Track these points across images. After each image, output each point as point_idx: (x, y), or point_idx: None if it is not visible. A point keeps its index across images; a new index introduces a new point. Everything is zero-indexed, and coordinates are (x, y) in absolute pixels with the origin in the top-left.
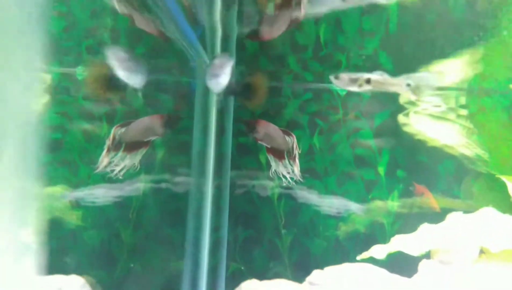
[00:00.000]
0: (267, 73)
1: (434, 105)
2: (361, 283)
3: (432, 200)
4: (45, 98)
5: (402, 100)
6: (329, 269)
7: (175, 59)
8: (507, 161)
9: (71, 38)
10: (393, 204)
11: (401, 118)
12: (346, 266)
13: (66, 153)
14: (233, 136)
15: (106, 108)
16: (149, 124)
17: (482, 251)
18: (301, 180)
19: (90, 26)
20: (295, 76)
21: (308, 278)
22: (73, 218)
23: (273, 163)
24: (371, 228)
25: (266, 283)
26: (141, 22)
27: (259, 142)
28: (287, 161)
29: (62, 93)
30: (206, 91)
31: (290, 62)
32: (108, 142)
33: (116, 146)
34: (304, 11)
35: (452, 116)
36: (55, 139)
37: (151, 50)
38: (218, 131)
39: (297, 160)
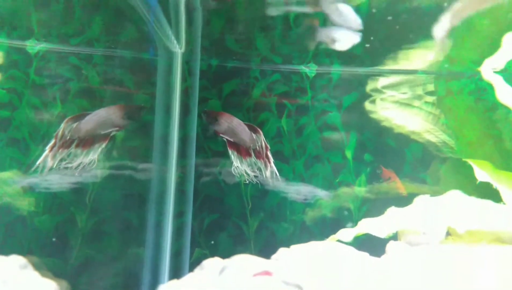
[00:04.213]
0: (234, 53)
1: (400, 92)
2: (328, 259)
3: (399, 184)
4: None
5: (368, 87)
6: (295, 247)
7: (134, 33)
8: (473, 144)
9: (20, 9)
10: (360, 189)
11: (367, 105)
12: (313, 244)
13: (15, 133)
14: (198, 117)
15: (60, 84)
16: (107, 116)
17: (448, 233)
18: (275, 179)
19: None
20: (263, 58)
21: (274, 256)
22: (24, 204)
23: (235, 160)
24: (338, 213)
25: (229, 259)
26: None
27: (221, 135)
28: (252, 159)
29: (10, 68)
30: (169, 66)
31: (258, 43)
32: (54, 140)
33: (66, 142)
34: None
35: (418, 103)
36: (3, 117)
37: (109, 23)
38: (182, 112)
39: (269, 158)
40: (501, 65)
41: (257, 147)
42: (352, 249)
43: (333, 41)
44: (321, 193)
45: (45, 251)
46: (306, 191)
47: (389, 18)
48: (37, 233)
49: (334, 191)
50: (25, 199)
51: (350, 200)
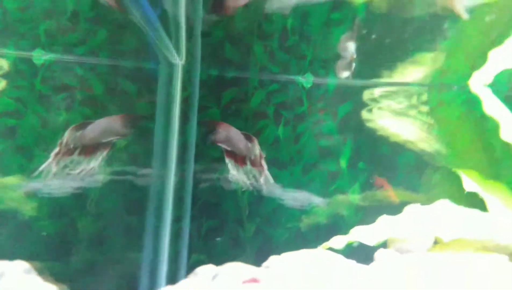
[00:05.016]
0: (233, 63)
1: (397, 102)
2: (317, 267)
3: (391, 193)
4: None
5: (365, 96)
6: (286, 255)
7: (136, 44)
8: (463, 154)
9: (28, 20)
10: (354, 197)
11: (364, 114)
12: (303, 252)
13: (21, 140)
14: (198, 125)
15: (65, 94)
16: (108, 125)
17: (436, 241)
18: (269, 186)
19: (48, 7)
20: (261, 67)
21: (265, 263)
22: (27, 209)
23: (232, 168)
24: (332, 220)
25: (222, 267)
26: None
27: (219, 144)
28: (248, 167)
29: (17, 78)
30: (170, 77)
31: (257, 52)
32: (58, 147)
33: (70, 150)
34: None
35: (413, 112)
36: (9, 126)
37: (112, 35)
38: (182, 120)
39: (264, 167)
40: (489, 79)
41: (252, 156)
42: (341, 257)
43: (341, 70)
44: (317, 200)
45: (47, 256)
46: (302, 198)
47: (385, 29)
48: (40, 237)
49: (329, 199)
50: (28, 204)
51: (344, 208)
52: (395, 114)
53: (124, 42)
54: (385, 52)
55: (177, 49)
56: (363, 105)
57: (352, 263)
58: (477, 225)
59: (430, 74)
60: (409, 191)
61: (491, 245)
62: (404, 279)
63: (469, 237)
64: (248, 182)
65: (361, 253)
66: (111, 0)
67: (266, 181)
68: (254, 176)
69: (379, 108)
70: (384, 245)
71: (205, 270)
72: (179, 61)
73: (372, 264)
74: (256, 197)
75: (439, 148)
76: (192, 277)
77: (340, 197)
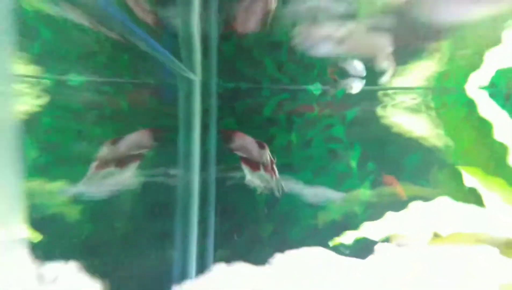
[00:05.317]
0: (246, 76)
1: (411, 98)
2: (317, 264)
3: (400, 190)
4: (42, 101)
5: (380, 94)
6: (289, 252)
7: (157, 66)
8: (466, 153)
9: (63, 48)
10: (365, 193)
11: (379, 110)
12: (305, 249)
13: (64, 152)
14: (217, 134)
15: (96, 111)
16: (137, 139)
17: (435, 235)
18: (280, 190)
19: (80, 36)
20: (272, 78)
21: (270, 260)
22: (71, 212)
23: (247, 173)
24: (344, 217)
25: (232, 265)
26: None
27: (235, 152)
28: (262, 172)
29: (56, 98)
30: (189, 92)
31: (267, 65)
32: (96, 161)
33: (107, 162)
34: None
35: (424, 109)
36: (53, 141)
37: (134, 58)
38: (203, 130)
39: (275, 171)
40: (485, 81)
41: (265, 161)
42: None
43: (350, 87)
44: (331, 195)
45: (90, 255)
46: (315, 195)
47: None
48: (84, 238)
49: (341, 197)
50: (72, 207)
51: (356, 205)
52: (409, 111)
53: (146, 64)
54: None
55: (193, 67)
56: (373, 104)
57: (354, 260)
58: (474, 219)
59: (433, 77)
60: (417, 187)
61: (485, 237)
62: (402, 271)
63: (466, 231)
64: (262, 185)
65: (365, 248)
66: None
67: (277, 185)
68: (266, 180)
69: (394, 106)
70: (387, 239)
71: (218, 268)
72: (197, 78)
73: (372, 257)
74: (272, 199)
75: (445, 146)
76: (207, 274)
77: (350, 196)
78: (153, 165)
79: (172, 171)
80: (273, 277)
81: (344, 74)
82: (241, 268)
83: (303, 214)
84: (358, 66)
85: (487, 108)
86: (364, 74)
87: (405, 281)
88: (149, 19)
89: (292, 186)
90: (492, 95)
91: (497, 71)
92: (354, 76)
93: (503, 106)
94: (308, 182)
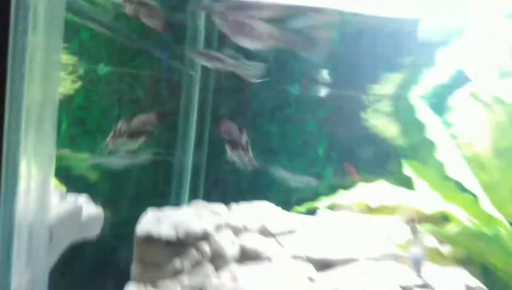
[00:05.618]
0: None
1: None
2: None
3: (354, 174)
4: (77, 86)
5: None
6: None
7: (164, 63)
8: (409, 148)
9: (94, 44)
10: (328, 175)
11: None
12: (256, 203)
13: (89, 127)
14: (211, 121)
15: (118, 95)
16: (147, 119)
17: (367, 206)
18: (252, 165)
19: (108, 36)
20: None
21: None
22: (92, 176)
23: (229, 151)
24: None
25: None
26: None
27: (222, 135)
28: (240, 151)
29: (87, 83)
30: (190, 86)
31: None
32: (112, 132)
33: (121, 134)
34: None
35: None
36: (81, 117)
37: (150, 57)
38: (199, 117)
39: (249, 151)
40: (424, 91)
41: (243, 143)
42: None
43: None
44: (300, 179)
45: (104, 204)
46: (289, 176)
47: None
48: (100, 195)
49: (308, 177)
50: (93, 173)
51: (319, 184)
52: (372, 112)
53: (158, 61)
54: (358, 68)
55: (194, 65)
56: (338, 109)
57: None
58: (402, 198)
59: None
60: (368, 174)
61: (403, 210)
62: (332, 229)
63: (389, 204)
64: (239, 161)
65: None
66: (156, 24)
67: (250, 162)
68: (242, 158)
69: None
70: (331, 207)
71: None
72: (196, 74)
73: (313, 217)
74: (250, 173)
75: (399, 142)
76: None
77: (317, 176)
78: (157, 143)
79: (172, 149)
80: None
81: None
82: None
83: (277, 188)
84: None
85: (422, 112)
86: None
87: (332, 234)
88: (158, 27)
89: (271, 168)
90: (429, 103)
91: (436, 85)
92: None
93: (438, 113)
94: (284, 164)
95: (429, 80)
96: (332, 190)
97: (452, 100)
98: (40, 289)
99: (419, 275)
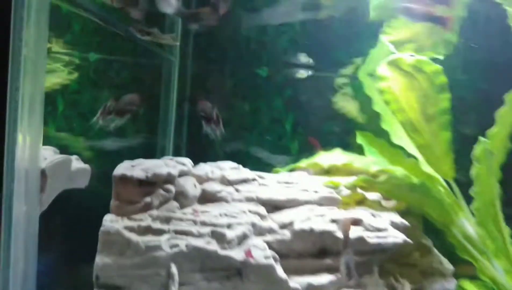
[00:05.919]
0: (215, 59)
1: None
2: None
3: (319, 148)
4: (73, 76)
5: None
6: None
7: (148, 52)
8: (364, 122)
9: (86, 35)
10: (294, 147)
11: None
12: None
13: (81, 109)
14: (189, 102)
15: (107, 79)
16: (131, 99)
17: (321, 168)
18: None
19: (98, 28)
20: (234, 63)
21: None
22: (87, 154)
23: (205, 126)
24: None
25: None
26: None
27: (199, 113)
28: (212, 125)
29: (79, 69)
30: (170, 71)
31: (231, 53)
32: (102, 108)
33: (109, 111)
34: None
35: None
36: (76, 100)
37: (134, 45)
38: (178, 99)
39: (220, 124)
40: (371, 69)
41: (214, 117)
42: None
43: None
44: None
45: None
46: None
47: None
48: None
49: (277, 149)
50: (88, 152)
51: (286, 154)
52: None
53: (141, 48)
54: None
55: (173, 51)
56: (304, 89)
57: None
58: (350, 160)
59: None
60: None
61: (351, 170)
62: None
63: (339, 164)
64: (212, 133)
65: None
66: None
67: (220, 133)
68: (214, 130)
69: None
70: (292, 169)
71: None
72: (176, 60)
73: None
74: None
75: (360, 117)
76: None
77: (285, 148)
78: (141, 124)
79: (155, 129)
80: None
81: None
82: None
83: (249, 156)
84: None
85: (369, 87)
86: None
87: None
88: (138, 16)
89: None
90: (374, 80)
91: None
92: None
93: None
94: (256, 138)
95: (373, 58)
96: (297, 159)
97: (380, 69)
98: (32, 222)
99: (350, 278)
